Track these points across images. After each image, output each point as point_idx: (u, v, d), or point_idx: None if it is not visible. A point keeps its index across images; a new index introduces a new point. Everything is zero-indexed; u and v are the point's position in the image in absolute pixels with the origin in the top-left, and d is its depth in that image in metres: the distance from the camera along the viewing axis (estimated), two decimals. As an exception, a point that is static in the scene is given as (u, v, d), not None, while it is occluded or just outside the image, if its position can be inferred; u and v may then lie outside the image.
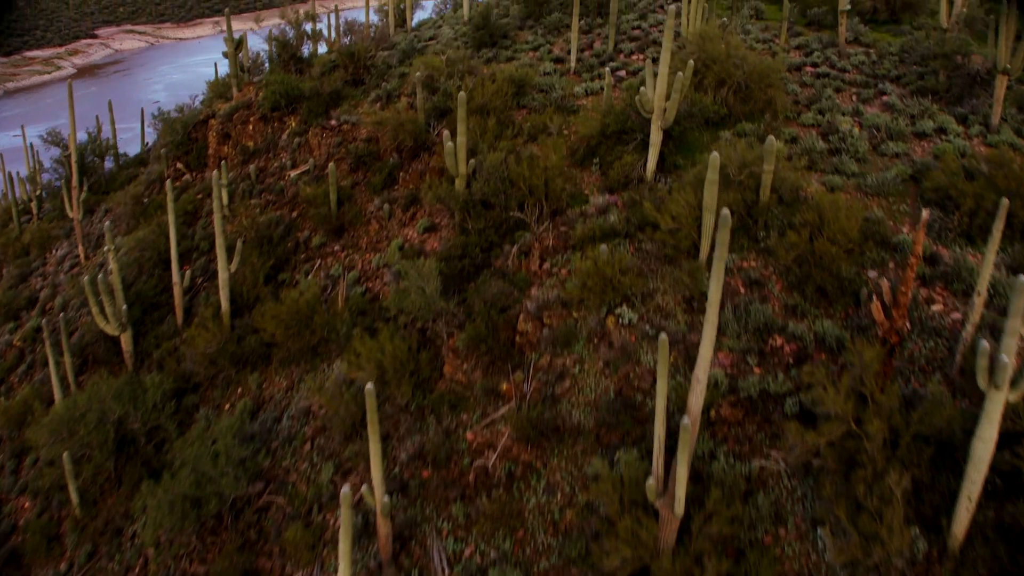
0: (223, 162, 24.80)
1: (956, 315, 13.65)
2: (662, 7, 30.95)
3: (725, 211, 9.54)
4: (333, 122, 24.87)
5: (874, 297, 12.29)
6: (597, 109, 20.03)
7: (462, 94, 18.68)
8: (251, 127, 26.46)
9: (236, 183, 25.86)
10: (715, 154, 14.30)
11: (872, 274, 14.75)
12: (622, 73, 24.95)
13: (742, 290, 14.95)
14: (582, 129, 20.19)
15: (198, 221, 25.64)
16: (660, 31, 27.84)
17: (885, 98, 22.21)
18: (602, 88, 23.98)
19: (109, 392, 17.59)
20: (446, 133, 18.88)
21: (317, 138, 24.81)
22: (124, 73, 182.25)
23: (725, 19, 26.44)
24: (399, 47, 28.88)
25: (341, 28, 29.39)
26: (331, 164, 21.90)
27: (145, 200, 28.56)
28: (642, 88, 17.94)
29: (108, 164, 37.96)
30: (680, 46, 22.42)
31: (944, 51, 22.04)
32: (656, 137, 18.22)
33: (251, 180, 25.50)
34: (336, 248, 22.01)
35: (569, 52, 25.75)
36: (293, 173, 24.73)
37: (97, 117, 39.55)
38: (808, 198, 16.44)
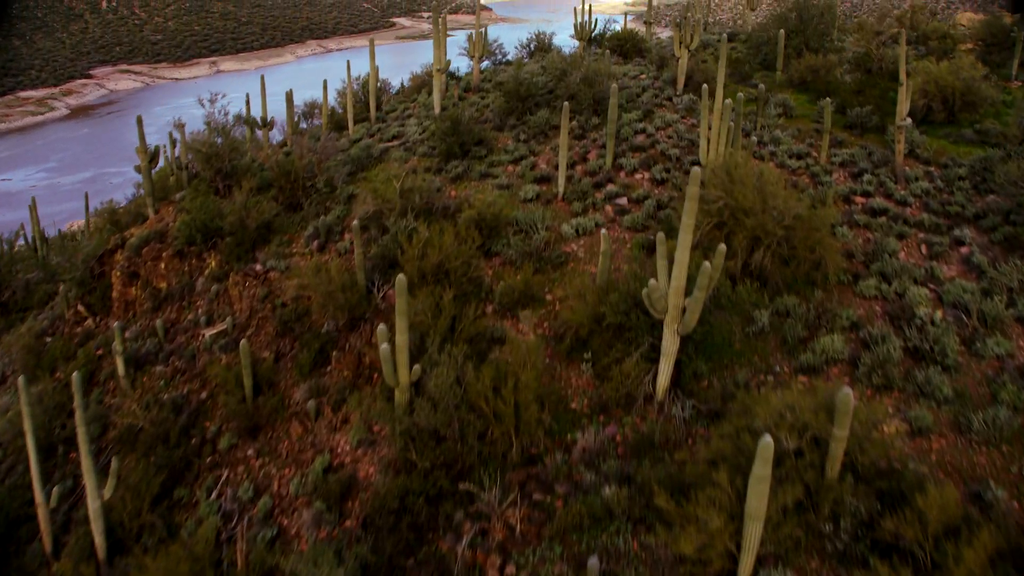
0: (128, 313, 19.71)
1: None
2: (670, 99, 25.93)
3: None
4: (259, 267, 19.78)
5: None
6: (586, 293, 14.80)
7: (401, 278, 13.55)
8: (164, 264, 21.38)
9: (141, 339, 20.72)
10: (766, 440, 9.17)
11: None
12: (623, 201, 19.86)
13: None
14: (570, 315, 15.00)
15: (96, 388, 20.49)
16: (668, 137, 22.77)
17: (964, 250, 17.03)
18: (597, 225, 18.89)
19: None
20: (380, 329, 13.71)
21: (239, 287, 19.72)
22: (118, 114, 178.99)
23: (754, 134, 21.40)
24: (350, 154, 23.88)
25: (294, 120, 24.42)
26: (243, 342, 16.74)
27: (48, 339, 23.47)
28: (652, 281, 12.75)
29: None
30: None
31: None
32: (671, 345, 13.03)
33: (158, 338, 20.36)
34: (249, 452, 16.81)
35: (557, 167, 20.64)
36: (208, 333, 19.60)
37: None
38: (896, 462, 11.19)
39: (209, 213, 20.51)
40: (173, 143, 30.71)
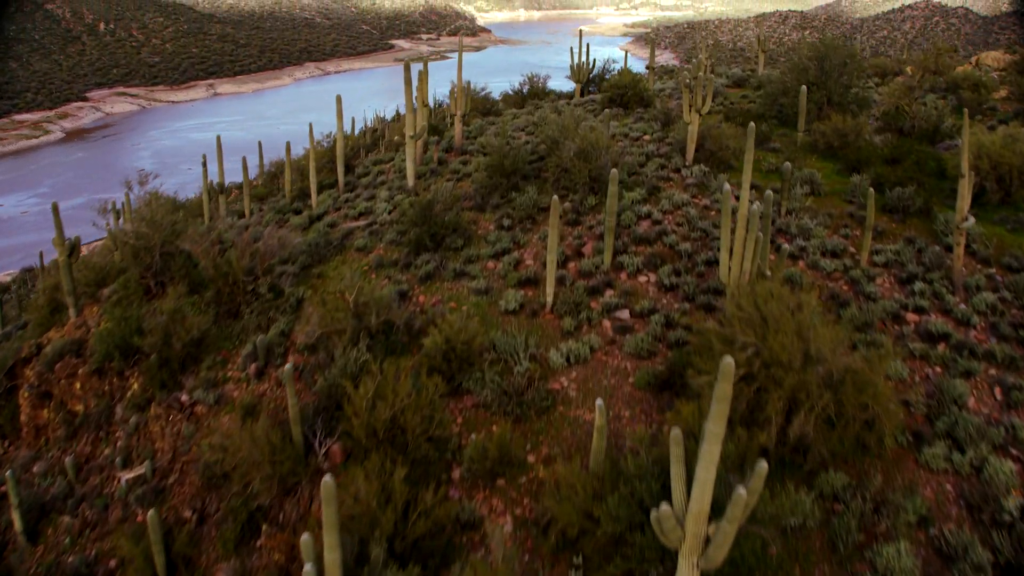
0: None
1: None
2: (678, 171, 22.58)
3: None
4: (184, 397, 16.40)
5: None
6: (576, 484, 11.33)
7: (328, 483, 10.12)
8: (80, 384, 17.98)
9: (50, 477, 17.30)
10: None
11: None
12: (624, 315, 16.47)
13: None
14: (555, 506, 11.55)
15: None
16: (679, 225, 19.40)
17: (1052, 395, 13.57)
18: (593, 349, 15.49)
19: None
20: (304, 541, 10.25)
21: (161, 423, 16.31)
22: (113, 138, 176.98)
23: (778, 220, 18.05)
24: (306, 239, 20.56)
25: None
26: (151, 514, 13.30)
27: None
28: (664, 507, 9.29)
29: None
30: (720, 318, 13.87)
31: None
32: (688, 581, 9.57)
33: (69, 477, 16.93)
34: (154, 657, 13.30)
35: (545, 264, 17.18)
36: (125, 477, 16.18)
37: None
38: None
39: (129, 327, 17.12)
40: (117, 214, 27.55)
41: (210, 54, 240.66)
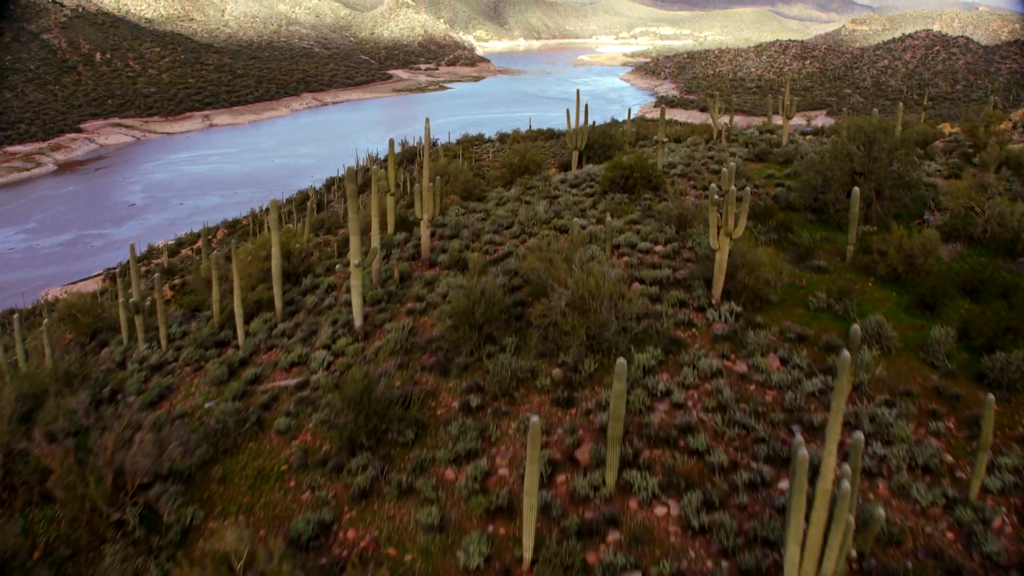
0: None
1: None
2: (702, 310, 17.48)
3: None
4: None
5: None
6: None
7: None
8: None
9: None
10: None
11: None
12: (635, 583, 11.24)
13: None
14: None
15: None
16: (707, 411, 14.23)
17: None
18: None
19: None
20: None
21: None
22: (106, 171, 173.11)
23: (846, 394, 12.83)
24: (202, 433, 15.41)
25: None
26: None
27: None
28: None
29: None
30: None
31: None
32: None
33: None
34: None
35: (524, 476, 11.92)
36: None
37: None
38: None
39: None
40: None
41: (207, 84, 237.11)
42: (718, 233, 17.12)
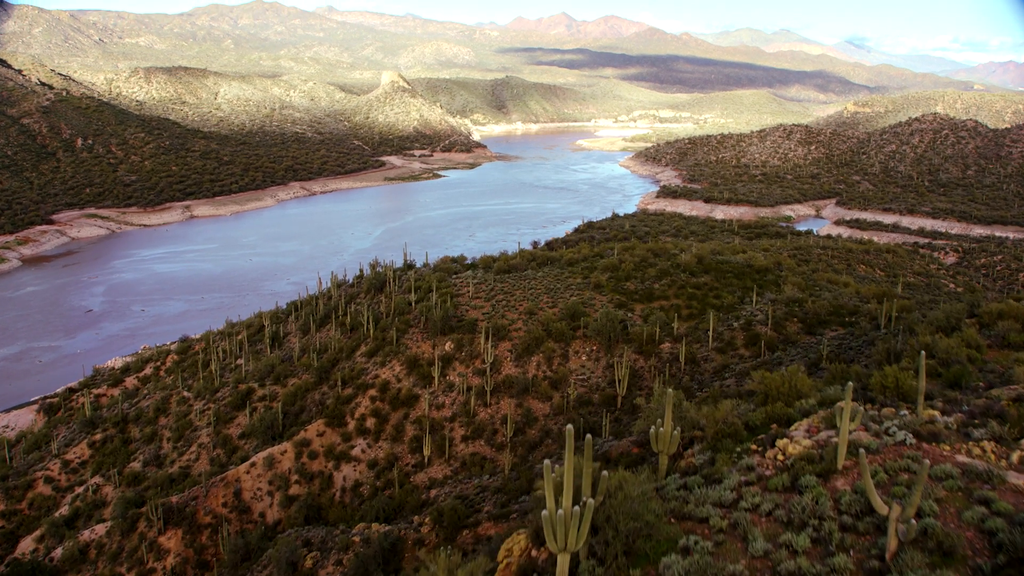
0: None
1: None
2: None
3: None
4: None
5: None
6: None
7: None
8: None
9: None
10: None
11: None
12: None
13: None
14: None
15: None
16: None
17: None
18: None
19: None
20: None
21: None
22: (72, 267, 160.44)
23: None
24: None
25: None
26: None
27: None
28: None
29: None
30: None
31: None
32: None
33: None
34: None
35: None
36: None
37: None
38: None
39: None
40: None
41: (190, 172, 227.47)
42: None
